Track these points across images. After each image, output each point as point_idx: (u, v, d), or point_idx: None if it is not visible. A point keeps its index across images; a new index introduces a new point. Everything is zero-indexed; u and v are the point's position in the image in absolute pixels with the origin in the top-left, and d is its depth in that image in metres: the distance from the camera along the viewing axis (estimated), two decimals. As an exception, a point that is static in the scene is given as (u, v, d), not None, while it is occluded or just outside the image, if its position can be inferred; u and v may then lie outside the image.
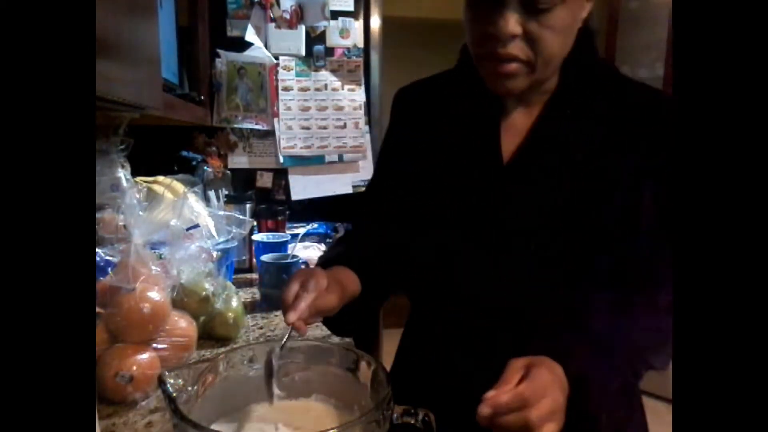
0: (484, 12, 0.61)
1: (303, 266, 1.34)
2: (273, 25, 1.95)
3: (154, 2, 0.90)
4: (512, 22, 0.59)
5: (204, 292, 0.97)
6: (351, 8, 2.01)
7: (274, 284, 1.25)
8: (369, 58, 2.06)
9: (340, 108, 2.04)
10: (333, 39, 2.02)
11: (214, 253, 1.08)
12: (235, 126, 1.97)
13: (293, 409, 0.60)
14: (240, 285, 1.40)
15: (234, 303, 1.03)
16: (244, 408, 0.59)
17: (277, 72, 1.98)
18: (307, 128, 2.03)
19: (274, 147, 2.00)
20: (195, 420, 0.48)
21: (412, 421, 0.52)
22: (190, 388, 0.54)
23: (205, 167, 1.71)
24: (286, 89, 2.00)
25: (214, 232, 1.21)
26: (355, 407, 0.59)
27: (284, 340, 0.61)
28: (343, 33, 2.02)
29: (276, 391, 0.59)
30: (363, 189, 2.07)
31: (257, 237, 1.49)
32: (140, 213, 0.85)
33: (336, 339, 0.96)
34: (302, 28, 1.98)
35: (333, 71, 2.03)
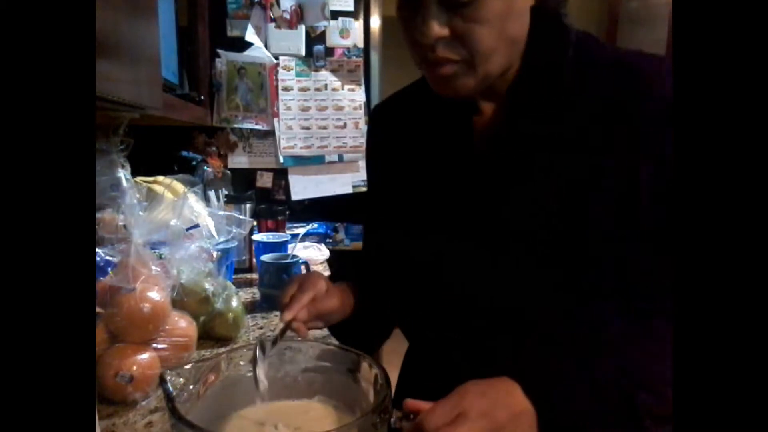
0: (407, 18, 0.59)
1: (303, 266, 1.34)
2: (273, 25, 1.95)
3: (154, 2, 0.90)
4: (434, 25, 0.56)
5: (204, 292, 0.97)
6: (351, 8, 2.01)
7: (274, 284, 1.25)
8: (369, 58, 2.07)
9: (340, 108, 2.05)
10: (333, 39, 2.02)
11: (214, 253, 1.08)
12: (235, 126, 1.97)
13: (293, 410, 0.60)
14: (240, 285, 1.40)
15: (234, 303, 1.03)
16: (245, 408, 0.59)
17: (277, 72, 1.98)
18: (307, 128, 2.03)
19: (274, 147, 2.00)
20: (195, 419, 0.48)
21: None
22: (191, 387, 0.54)
23: (205, 167, 1.71)
24: (286, 89, 2.00)
25: (214, 232, 1.21)
26: (357, 409, 0.58)
27: (276, 333, 0.62)
28: (343, 33, 2.02)
29: (262, 379, 0.59)
30: (363, 189, 2.08)
31: (257, 237, 1.49)
32: (140, 213, 0.85)
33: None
34: (302, 28, 1.98)
35: (333, 71, 2.03)
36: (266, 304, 1.26)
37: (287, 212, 1.72)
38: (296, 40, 1.98)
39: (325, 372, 0.62)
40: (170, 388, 0.51)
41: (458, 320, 0.66)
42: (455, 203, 0.66)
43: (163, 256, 0.90)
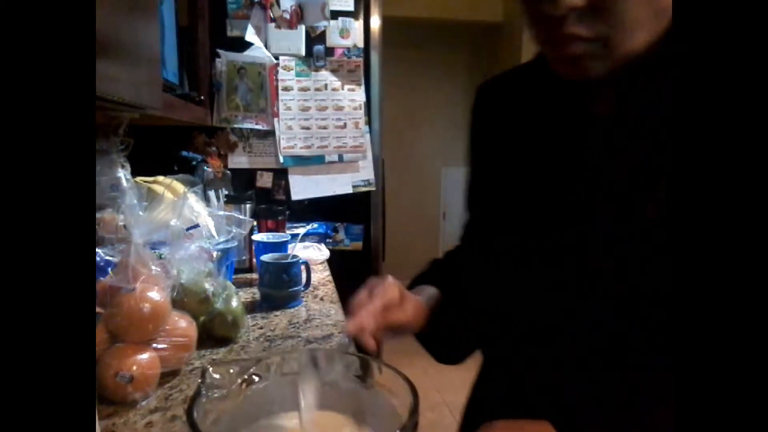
0: None
1: (303, 266, 1.34)
2: (273, 25, 1.95)
3: (154, 2, 0.90)
4: None
5: (204, 292, 0.97)
6: (351, 8, 2.01)
7: (274, 284, 1.25)
8: (369, 58, 2.07)
9: (340, 108, 2.05)
10: (333, 39, 2.02)
11: (214, 253, 1.08)
12: (235, 126, 1.97)
13: (328, 423, 0.56)
14: (240, 285, 1.40)
15: (234, 303, 1.03)
16: (278, 414, 0.56)
17: (277, 72, 1.98)
18: (307, 128, 2.03)
19: (274, 147, 2.00)
20: (223, 420, 0.47)
21: None
22: (231, 386, 0.52)
23: (205, 167, 1.71)
24: (286, 89, 2.00)
25: (214, 232, 1.21)
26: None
27: (341, 346, 0.57)
28: (343, 33, 2.02)
29: (307, 395, 0.55)
30: (363, 189, 2.08)
31: (257, 237, 1.49)
32: (140, 213, 0.85)
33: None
34: (302, 28, 1.98)
35: (333, 71, 2.03)
36: (266, 304, 1.26)
37: (287, 212, 1.72)
38: (296, 40, 1.98)
39: (360, 386, 0.58)
40: (203, 387, 0.49)
41: (555, 346, 0.57)
42: (566, 216, 0.57)
43: (163, 256, 0.90)
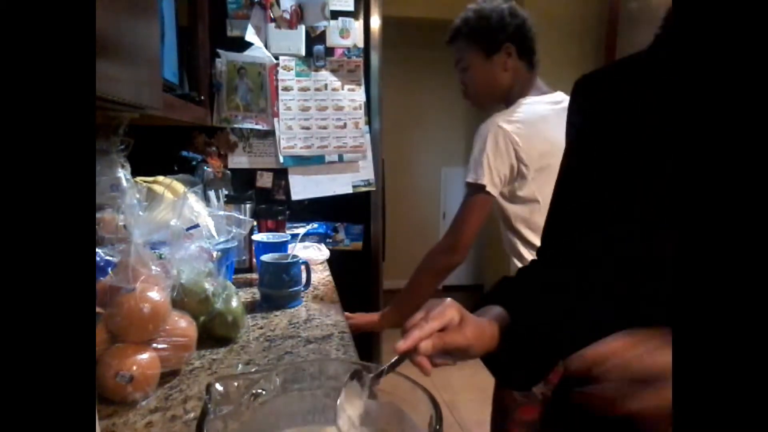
0: None
1: (303, 266, 1.34)
2: (273, 25, 1.95)
3: (154, 2, 0.90)
4: None
5: (204, 292, 0.97)
6: (351, 8, 2.01)
7: (274, 284, 1.25)
8: (369, 58, 2.07)
9: (340, 108, 2.05)
10: (333, 39, 2.02)
11: (214, 253, 1.08)
12: (235, 126, 1.97)
13: None
14: (240, 285, 1.40)
15: (234, 303, 1.03)
16: (289, 429, 0.55)
17: (277, 72, 1.98)
18: (307, 128, 2.03)
19: (274, 147, 2.00)
20: None
21: None
22: (238, 401, 0.51)
23: (205, 167, 1.71)
24: (286, 89, 2.00)
25: (214, 232, 1.21)
26: None
27: (385, 367, 0.54)
28: (343, 33, 2.02)
29: (352, 418, 0.53)
30: (363, 189, 2.08)
31: (257, 237, 1.49)
32: (140, 213, 0.85)
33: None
34: (302, 28, 1.98)
35: (333, 71, 2.03)
36: (266, 304, 1.26)
37: (287, 212, 1.72)
38: (296, 40, 1.98)
39: (383, 401, 0.57)
40: (210, 404, 0.49)
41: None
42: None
43: (163, 256, 0.90)
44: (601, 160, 0.64)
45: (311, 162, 2.04)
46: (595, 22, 3.66)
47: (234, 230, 1.27)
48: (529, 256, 1.36)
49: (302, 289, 1.33)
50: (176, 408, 0.76)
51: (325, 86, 2.03)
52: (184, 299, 0.92)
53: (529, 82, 1.42)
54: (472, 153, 1.33)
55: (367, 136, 2.08)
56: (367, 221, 2.13)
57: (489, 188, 1.28)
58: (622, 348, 0.47)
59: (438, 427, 0.47)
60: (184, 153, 1.82)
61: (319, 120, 2.03)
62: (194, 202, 1.19)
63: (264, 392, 0.55)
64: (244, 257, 1.55)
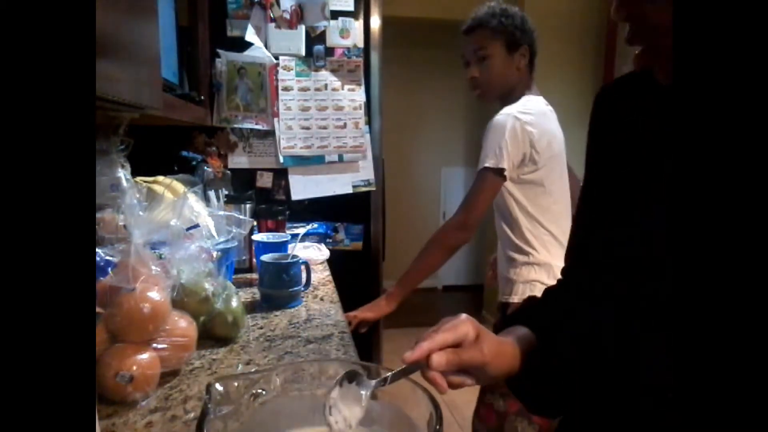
0: None
1: (303, 266, 1.34)
2: (273, 25, 1.95)
3: (154, 2, 0.90)
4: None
5: (204, 292, 0.97)
6: (351, 8, 2.02)
7: (274, 284, 1.25)
8: (369, 58, 2.07)
9: (340, 108, 2.05)
10: (333, 39, 2.02)
11: (214, 253, 1.08)
12: (235, 126, 1.97)
13: None
14: (240, 285, 1.40)
15: (234, 303, 1.03)
16: (292, 430, 0.55)
17: (277, 72, 1.98)
18: (307, 128, 2.03)
19: (274, 147, 2.00)
20: None
21: None
22: (238, 401, 0.50)
23: (205, 167, 1.71)
24: (286, 89, 2.00)
25: (214, 232, 1.21)
26: None
27: (389, 375, 0.53)
28: (343, 33, 2.02)
29: (333, 420, 0.52)
30: (363, 189, 2.08)
31: (257, 237, 1.49)
32: (140, 213, 0.85)
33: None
34: (302, 28, 1.98)
35: (333, 71, 2.03)
36: (266, 304, 1.26)
37: (287, 212, 1.72)
38: (296, 40, 1.98)
39: (384, 403, 0.56)
40: (210, 404, 0.48)
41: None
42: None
43: (163, 256, 0.90)
44: (617, 173, 0.63)
45: (311, 162, 2.04)
46: (595, 22, 3.66)
47: (234, 230, 1.27)
48: (528, 237, 1.43)
49: (302, 289, 1.32)
50: (176, 408, 0.76)
51: (325, 86, 2.03)
52: (184, 299, 0.92)
53: (529, 84, 1.51)
54: (487, 141, 1.40)
55: (367, 136, 2.08)
56: (367, 221, 2.13)
57: (507, 172, 1.38)
58: None
59: (438, 427, 0.47)
60: (184, 153, 1.82)
61: (319, 120, 2.03)
62: (194, 202, 1.19)
63: (264, 392, 0.55)
64: (244, 257, 1.55)
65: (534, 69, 1.51)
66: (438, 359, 0.54)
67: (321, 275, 1.58)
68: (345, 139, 2.06)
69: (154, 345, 0.81)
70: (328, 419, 0.52)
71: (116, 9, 0.67)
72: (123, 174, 1.02)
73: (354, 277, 1.97)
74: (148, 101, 0.83)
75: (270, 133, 2.00)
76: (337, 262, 1.76)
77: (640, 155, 0.59)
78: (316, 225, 2.03)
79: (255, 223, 1.59)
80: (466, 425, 2.60)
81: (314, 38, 2.00)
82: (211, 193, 1.44)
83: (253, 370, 0.88)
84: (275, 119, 1.99)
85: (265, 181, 2.02)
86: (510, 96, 1.48)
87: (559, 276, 1.31)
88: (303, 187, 2.04)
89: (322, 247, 1.77)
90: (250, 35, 1.92)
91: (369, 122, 2.08)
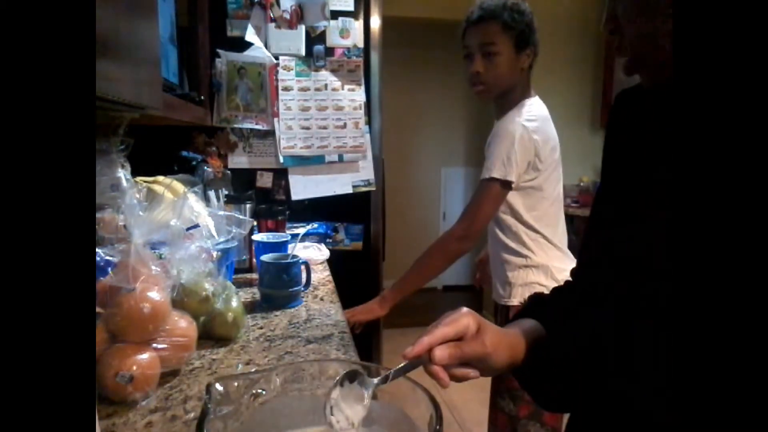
0: None
1: (303, 266, 1.34)
2: (273, 25, 1.95)
3: (154, 2, 0.90)
4: None
5: (204, 292, 0.97)
6: (351, 8, 2.02)
7: (274, 284, 1.25)
8: (369, 58, 2.07)
9: (340, 108, 2.05)
10: (333, 39, 2.02)
11: (214, 253, 1.08)
12: (235, 126, 1.97)
13: None
14: (240, 285, 1.40)
15: (234, 303, 1.03)
16: (293, 430, 0.55)
17: (277, 72, 1.98)
18: (307, 128, 2.03)
19: (274, 147, 2.00)
20: None
21: None
22: (238, 401, 0.50)
23: (205, 167, 1.71)
24: (286, 89, 2.00)
25: (214, 232, 1.21)
26: None
27: (391, 372, 0.53)
28: (343, 33, 2.02)
29: (333, 418, 0.52)
30: (363, 189, 2.08)
31: (257, 237, 1.49)
32: (140, 213, 0.85)
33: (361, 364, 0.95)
34: (302, 28, 1.98)
35: (333, 71, 2.03)
36: (266, 304, 1.26)
37: (287, 212, 1.72)
38: (296, 40, 1.98)
39: (384, 403, 0.56)
40: (210, 404, 0.48)
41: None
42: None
43: (163, 256, 0.90)
44: (626, 174, 0.63)
45: (311, 162, 2.04)
46: (595, 22, 3.66)
47: (234, 230, 1.27)
48: (524, 239, 1.42)
49: (302, 289, 1.32)
50: (176, 408, 0.76)
51: (325, 86, 2.03)
52: (184, 299, 0.92)
53: (528, 85, 1.47)
54: (494, 149, 1.36)
55: (367, 136, 2.08)
56: (367, 221, 2.13)
57: (513, 185, 1.35)
58: None
59: (438, 427, 0.47)
60: (184, 153, 1.82)
61: (319, 120, 2.04)
62: (194, 202, 1.19)
63: (264, 392, 0.55)
64: (244, 257, 1.55)
65: (532, 70, 1.47)
66: (440, 353, 0.54)
67: (321, 275, 1.58)
68: (345, 139, 2.06)
69: (154, 345, 0.81)
70: (330, 419, 0.52)
71: (116, 9, 0.67)
72: (123, 174, 1.02)
73: (354, 277, 1.97)
74: (148, 101, 0.83)
75: (270, 133, 2.00)
76: (337, 262, 1.76)
77: (647, 157, 0.60)
78: (316, 225, 2.03)
79: (255, 223, 1.59)
80: (466, 425, 2.60)
81: (314, 38, 2.00)
82: (211, 193, 1.44)
83: (253, 370, 0.88)
84: (275, 119, 1.99)
85: (265, 181, 2.02)
86: (509, 96, 1.43)
87: (557, 276, 1.31)
88: (303, 187, 2.04)
89: (322, 247, 1.77)
90: (250, 35, 1.92)
91: (369, 122, 2.08)
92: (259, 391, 0.54)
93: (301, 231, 1.59)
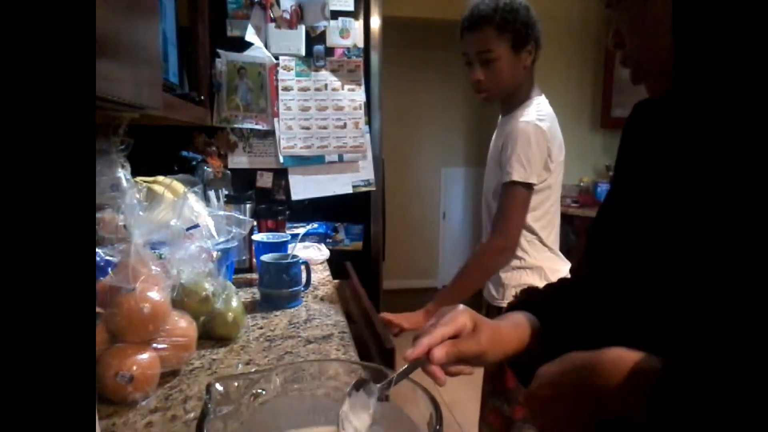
0: None
1: (303, 266, 1.34)
2: (273, 25, 1.95)
3: (154, 2, 0.90)
4: None
5: (204, 292, 0.97)
6: (351, 8, 2.02)
7: (274, 284, 1.25)
8: (369, 58, 2.07)
9: (340, 108, 2.05)
10: (333, 39, 2.02)
11: (214, 253, 1.08)
12: (235, 126, 1.97)
13: None
14: (240, 285, 1.40)
15: (234, 303, 1.03)
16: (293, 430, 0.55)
17: (277, 72, 1.98)
18: (307, 128, 2.03)
19: (274, 147, 2.00)
20: None
21: None
22: (238, 401, 0.51)
23: (205, 167, 1.71)
24: (286, 89, 2.00)
25: (214, 232, 1.21)
26: None
27: (394, 376, 0.53)
28: (343, 33, 2.02)
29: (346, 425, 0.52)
30: (363, 189, 2.08)
31: (257, 237, 1.49)
32: (140, 213, 0.85)
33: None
34: (302, 28, 1.98)
35: (333, 71, 2.03)
36: (266, 304, 1.26)
37: (287, 212, 1.72)
38: (296, 40, 1.98)
39: (382, 401, 0.56)
40: (209, 404, 0.48)
41: None
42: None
43: (163, 256, 0.90)
44: (631, 178, 0.64)
45: (311, 162, 2.04)
46: (595, 22, 3.66)
47: (234, 230, 1.27)
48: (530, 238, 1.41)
49: (302, 289, 1.32)
50: (176, 408, 0.76)
51: (325, 86, 2.03)
52: (184, 299, 0.92)
53: (532, 81, 1.43)
54: (510, 151, 1.32)
55: (367, 136, 2.08)
56: (367, 221, 2.13)
57: (535, 186, 1.33)
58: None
59: (438, 427, 0.47)
60: (184, 153, 1.82)
61: (319, 120, 2.03)
62: (194, 202, 1.19)
63: (264, 392, 0.55)
64: (244, 257, 1.55)
65: (535, 62, 1.41)
66: (438, 354, 0.55)
67: (321, 275, 1.58)
68: (345, 139, 2.06)
69: (154, 345, 0.81)
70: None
71: (116, 9, 0.67)
72: (123, 174, 1.02)
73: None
74: (148, 101, 0.83)
75: (270, 133, 2.00)
76: (337, 262, 1.76)
77: (656, 161, 0.60)
78: (316, 225, 2.03)
79: (255, 223, 1.59)
80: (466, 425, 2.60)
81: (314, 38, 2.00)
82: (211, 193, 1.44)
83: (253, 370, 0.88)
84: (275, 119, 1.99)
85: (265, 181, 2.02)
86: (515, 94, 1.40)
87: (551, 278, 1.31)
88: (303, 187, 2.04)
89: (322, 247, 1.77)
90: (250, 35, 1.92)
91: (369, 122, 2.08)
92: (259, 391, 0.54)
93: (301, 231, 1.59)
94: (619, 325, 0.58)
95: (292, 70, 2.00)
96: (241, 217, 1.40)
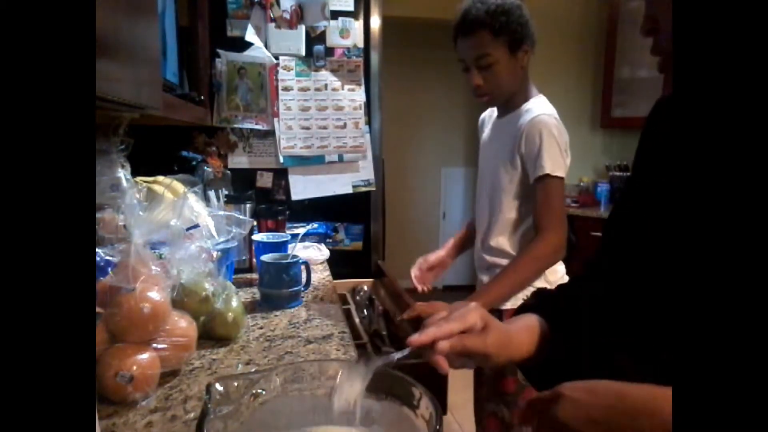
0: None
1: (303, 266, 1.34)
2: (273, 25, 1.95)
3: (154, 2, 0.90)
4: None
5: (204, 292, 0.97)
6: (351, 8, 2.01)
7: (274, 284, 1.25)
8: (369, 58, 2.06)
9: (340, 108, 2.05)
10: (333, 39, 2.02)
11: (214, 253, 1.08)
12: (235, 126, 1.97)
13: None
14: (240, 285, 1.40)
15: (234, 303, 1.03)
16: (293, 430, 0.55)
17: (277, 72, 1.98)
18: (307, 128, 2.03)
19: (274, 147, 2.00)
20: None
21: None
22: (237, 401, 0.51)
23: (205, 167, 1.71)
24: (286, 89, 2.00)
25: (214, 232, 1.21)
26: None
27: (395, 356, 0.54)
28: (343, 33, 2.02)
29: (339, 405, 0.53)
30: (363, 189, 2.08)
31: (257, 237, 1.49)
32: (140, 213, 0.85)
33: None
34: (302, 28, 1.98)
35: (333, 71, 2.03)
36: (266, 304, 1.26)
37: (287, 212, 1.72)
38: (296, 40, 1.98)
39: (382, 401, 0.56)
40: (209, 404, 0.49)
41: None
42: None
43: (163, 256, 0.90)
44: (646, 177, 0.63)
45: (311, 162, 2.04)
46: (595, 22, 3.66)
47: (234, 230, 1.27)
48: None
49: (302, 289, 1.33)
50: (176, 408, 0.76)
51: (325, 86, 2.03)
52: (184, 299, 0.92)
53: (529, 79, 1.42)
54: (540, 145, 1.30)
55: (367, 136, 2.08)
56: (367, 221, 2.13)
57: (565, 178, 1.32)
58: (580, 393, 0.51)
59: (438, 427, 0.47)
60: (184, 153, 1.82)
61: (319, 120, 2.03)
62: (194, 202, 1.19)
63: (264, 392, 0.55)
64: (244, 257, 1.55)
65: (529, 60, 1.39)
66: (443, 345, 0.56)
67: (321, 275, 1.58)
68: (345, 139, 2.06)
69: (154, 345, 0.81)
70: (333, 400, 0.54)
71: (116, 9, 0.67)
72: (123, 174, 1.02)
73: (354, 277, 1.97)
74: (148, 101, 0.83)
75: (270, 133, 2.00)
76: (337, 262, 1.76)
77: (671, 159, 0.59)
78: (316, 225, 2.03)
79: (255, 223, 1.59)
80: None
81: (314, 38, 2.00)
82: (211, 193, 1.44)
83: (253, 370, 0.88)
84: (275, 119, 1.99)
85: (265, 181, 2.02)
86: (516, 94, 1.39)
87: (549, 278, 1.30)
88: (303, 187, 2.04)
89: (322, 247, 1.77)
90: (250, 35, 1.92)
91: (369, 122, 2.08)
92: (259, 391, 0.54)
93: (301, 231, 1.59)
94: (633, 325, 0.58)
95: (292, 70, 2.00)
96: (241, 217, 1.40)
